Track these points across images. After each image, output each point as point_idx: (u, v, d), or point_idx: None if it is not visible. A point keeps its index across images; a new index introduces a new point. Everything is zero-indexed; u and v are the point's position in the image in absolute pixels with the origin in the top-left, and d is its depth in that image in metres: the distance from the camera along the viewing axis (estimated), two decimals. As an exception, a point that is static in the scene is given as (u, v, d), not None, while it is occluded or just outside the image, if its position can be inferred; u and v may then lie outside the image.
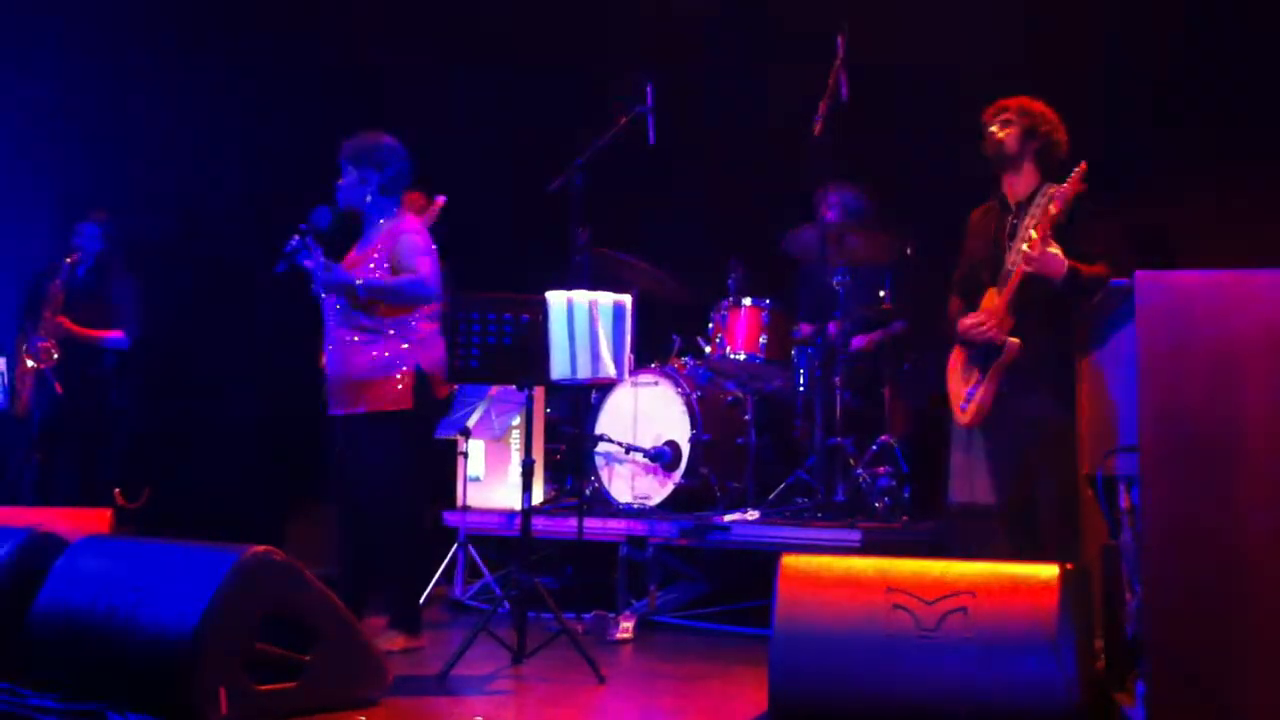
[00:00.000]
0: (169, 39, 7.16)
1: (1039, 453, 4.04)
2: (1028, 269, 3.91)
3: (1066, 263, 3.87)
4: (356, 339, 4.54)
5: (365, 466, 4.53)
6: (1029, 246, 3.89)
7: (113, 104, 7.07)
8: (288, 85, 7.13)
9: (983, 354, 4.13)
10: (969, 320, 4.17)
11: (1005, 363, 4.05)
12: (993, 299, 4.12)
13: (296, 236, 4.49)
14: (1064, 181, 3.90)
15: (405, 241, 4.59)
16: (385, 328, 4.53)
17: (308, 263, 4.51)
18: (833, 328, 5.36)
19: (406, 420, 4.53)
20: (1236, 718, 2.61)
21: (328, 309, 4.64)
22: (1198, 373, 2.72)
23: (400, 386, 4.50)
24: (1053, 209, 3.86)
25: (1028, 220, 4.07)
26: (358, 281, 4.48)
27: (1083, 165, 3.82)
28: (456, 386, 4.80)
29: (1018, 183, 4.20)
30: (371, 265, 4.55)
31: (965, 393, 4.21)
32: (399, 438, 4.53)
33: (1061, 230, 3.89)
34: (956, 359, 4.36)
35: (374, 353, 4.52)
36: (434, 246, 4.68)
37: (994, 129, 4.18)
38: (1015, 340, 4.04)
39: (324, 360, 4.70)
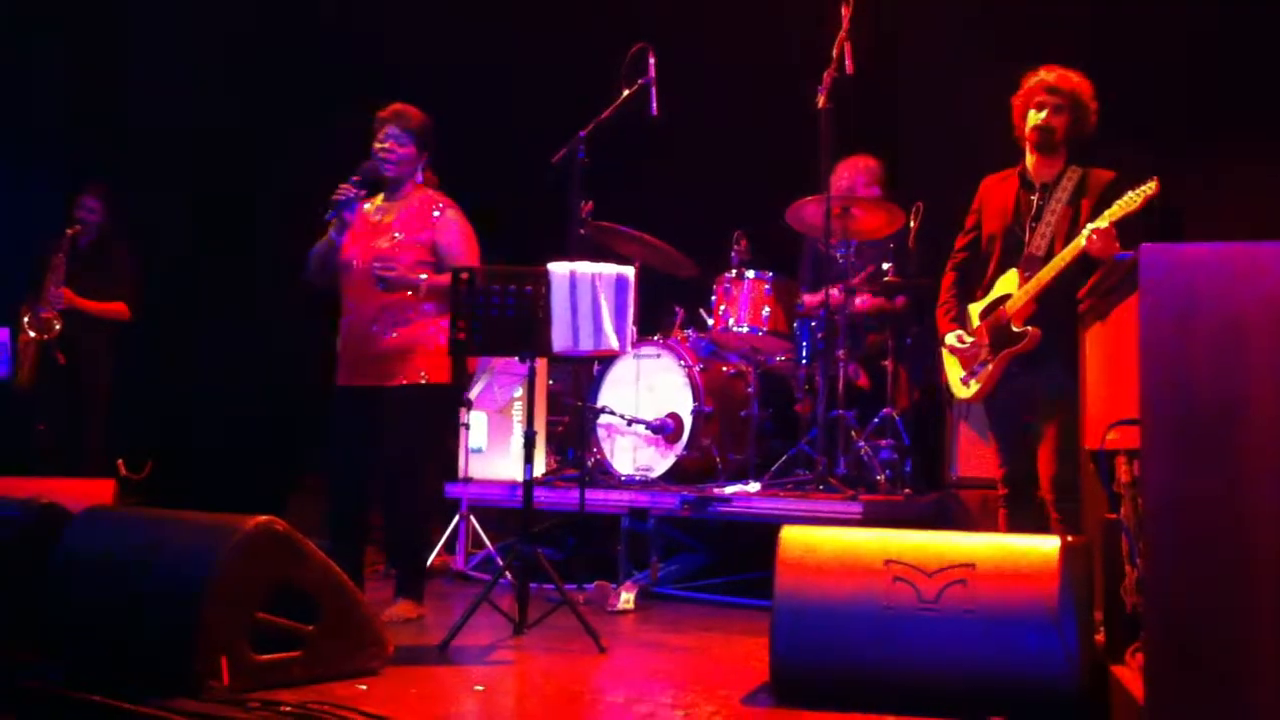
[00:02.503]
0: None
1: (1047, 426, 4.03)
2: (1092, 251, 3.83)
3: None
4: (395, 312, 4.50)
5: (401, 438, 4.49)
6: (1095, 233, 3.82)
7: (115, 75, 7.04)
8: (285, 54, 7.09)
9: (995, 336, 4.10)
10: (952, 342, 4.17)
11: (1023, 351, 4.03)
12: (1012, 281, 4.08)
13: (351, 189, 4.47)
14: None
15: (452, 229, 4.57)
16: (424, 304, 4.53)
17: (349, 214, 4.51)
18: (835, 293, 5.32)
19: (444, 393, 4.56)
20: (1237, 692, 2.61)
21: (359, 277, 4.53)
22: (1201, 346, 2.70)
23: (440, 360, 4.52)
24: (1121, 210, 3.77)
25: (1053, 204, 4.03)
26: (422, 278, 4.45)
27: (1155, 184, 3.73)
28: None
29: (1048, 164, 4.14)
30: (399, 236, 4.50)
31: (971, 369, 4.19)
32: (438, 410, 4.57)
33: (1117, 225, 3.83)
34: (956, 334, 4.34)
35: (415, 325, 4.51)
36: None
37: (1046, 114, 4.08)
38: (1037, 331, 4.01)
39: (345, 327, 4.61)
